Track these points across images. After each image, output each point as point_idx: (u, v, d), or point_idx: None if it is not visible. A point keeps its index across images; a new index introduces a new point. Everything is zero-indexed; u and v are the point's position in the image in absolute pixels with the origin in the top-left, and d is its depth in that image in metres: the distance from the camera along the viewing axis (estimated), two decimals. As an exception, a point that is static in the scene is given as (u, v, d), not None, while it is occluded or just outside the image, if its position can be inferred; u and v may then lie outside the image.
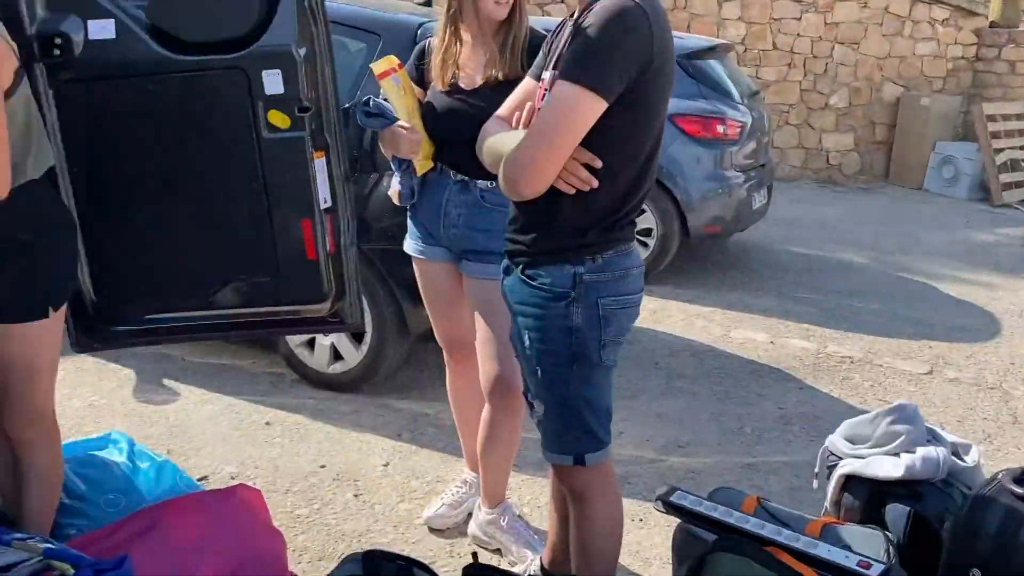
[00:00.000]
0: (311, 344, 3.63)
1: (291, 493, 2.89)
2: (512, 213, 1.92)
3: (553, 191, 1.74)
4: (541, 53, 1.95)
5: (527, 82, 1.97)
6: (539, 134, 1.70)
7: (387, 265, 3.37)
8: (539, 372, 1.87)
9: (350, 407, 3.50)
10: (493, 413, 2.45)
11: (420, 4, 4.15)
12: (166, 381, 3.66)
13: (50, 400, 2.20)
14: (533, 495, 2.95)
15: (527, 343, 1.88)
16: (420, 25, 3.45)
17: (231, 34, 2.29)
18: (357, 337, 3.53)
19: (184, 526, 2.13)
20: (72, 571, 1.79)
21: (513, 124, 1.91)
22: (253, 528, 2.26)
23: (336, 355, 3.60)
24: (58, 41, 2.30)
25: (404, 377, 3.78)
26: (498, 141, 1.86)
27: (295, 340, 3.62)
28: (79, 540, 2.19)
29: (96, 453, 2.61)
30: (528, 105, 1.89)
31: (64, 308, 2.16)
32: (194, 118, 2.37)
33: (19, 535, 2.00)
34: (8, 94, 1.90)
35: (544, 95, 1.80)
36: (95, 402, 3.45)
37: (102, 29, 2.33)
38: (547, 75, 1.83)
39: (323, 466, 3.06)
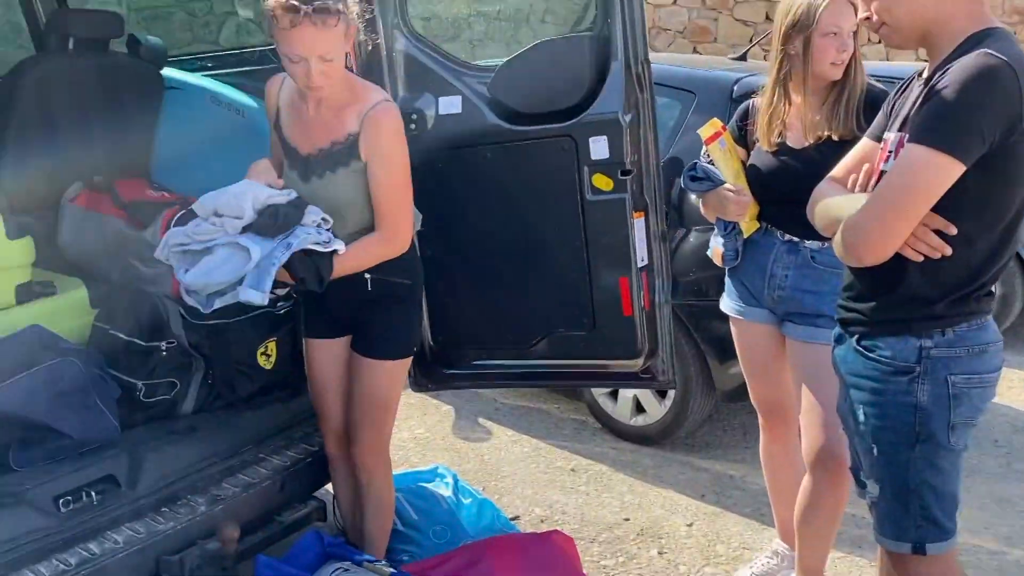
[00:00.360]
0: (614, 395, 3.70)
1: (597, 543, 2.94)
2: (848, 278, 1.83)
3: (898, 257, 1.64)
4: (882, 113, 1.86)
5: (865, 143, 1.88)
6: (885, 198, 1.62)
7: (694, 320, 3.36)
8: (875, 450, 1.75)
9: (652, 461, 3.51)
10: (815, 485, 2.33)
11: (734, 59, 4.13)
12: (481, 420, 3.92)
13: (391, 433, 2.45)
14: (851, 574, 2.74)
15: (861, 418, 1.77)
16: (736, 81, 3.43)
17: (563, 105, 2.44)
18: (661, 391, 3.54)
19: (506, 566, 2.26)
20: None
21: (849, 186, 1.84)
22: (568, 575, 2.33)
23: (639, 407, 3.63)
24: (414, 117, 2.60)
25: (707, 434, 3.72)
26: (834, 204, 1.80)
27: (600, 390, 3.71)
28: (412, 566, 2.41)
29: (425, 485, 2.86)
30: (866, 167, 1.81)
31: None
32: (525, 181, 2.56)
33: (368, 557, 2.24)
34: None
35: (887, 157, 1.71)
36: (420, 435, 3.78)
37: (451, 104, 2.60)
38: (890, 136, 1.74)
39: (627, 519, 3.09)
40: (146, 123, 3.11)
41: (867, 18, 1.72)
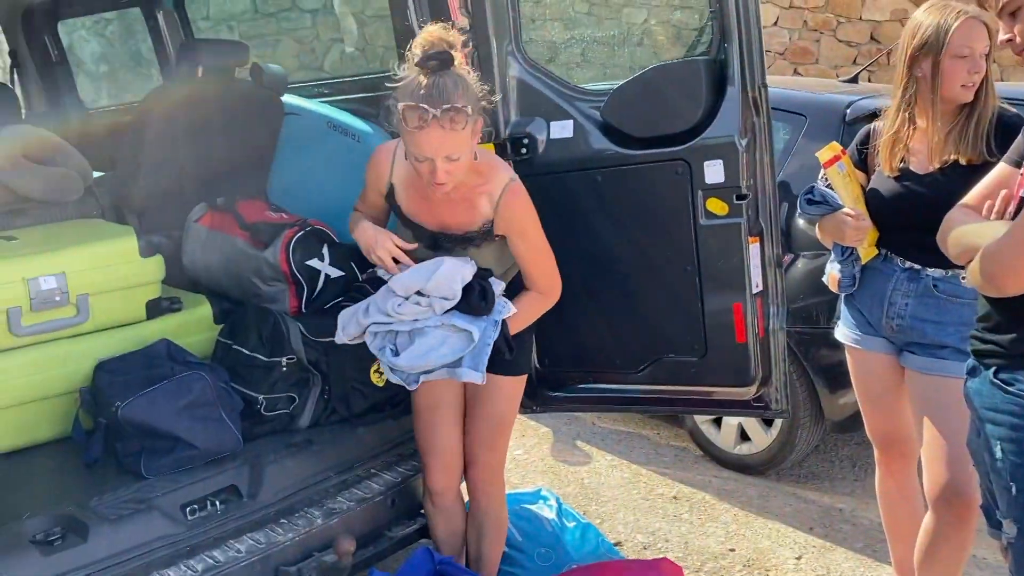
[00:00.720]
0: (717, 422, 3.63)
1: (702, 573, 2.89)
2: (984, 309, 1.76)
3: (1042, 288, 1.57)
4: (1021, 136, 1.79)
5: (1002, 168, 1.81)
6: (1031, 227, 1.55)
7: (803, 348, 3.29)
8: (1013, 489, 1.67)
9: (757, 491, 3.43)
10: (937, 523, 2.24)
11: (845, 82, 4.04)
12: (579, 443, 3.91)
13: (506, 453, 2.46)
14: (973, 619, 2.62)
15: (998, 455, 1.69)
16: (849, 104, 3.36)
17: (677, 129, 2.44)
18: (767, 420, 3.47)
19: (614, 592, 2.24)
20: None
21: (984, 213, 1.77)
22: (676, 604, 2.30)
23: (743, 436, 3.56)
24: (526, 141, 2.64)
25: (813, 465, 3.62)
26: (971, 231, 1.73)
27: (702, 417, 3.66)
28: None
29: (529, 507, 2.86)
30: (1003, 193, 1.74)
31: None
32: (636, 205, 2.55)
33: (479, 576, 2.25)
34: None
35: (1030, 184, 1.65)
36: (519, 457, 3.79)
37: (562, 129, 2.63)
38: (1033, 162, 1.67)
39: (732, 549, 3.03)
40: (266, 147, 3.24)
41: (1009, 40, 1.67)
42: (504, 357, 2.15)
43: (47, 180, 2.96)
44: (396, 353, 2.17)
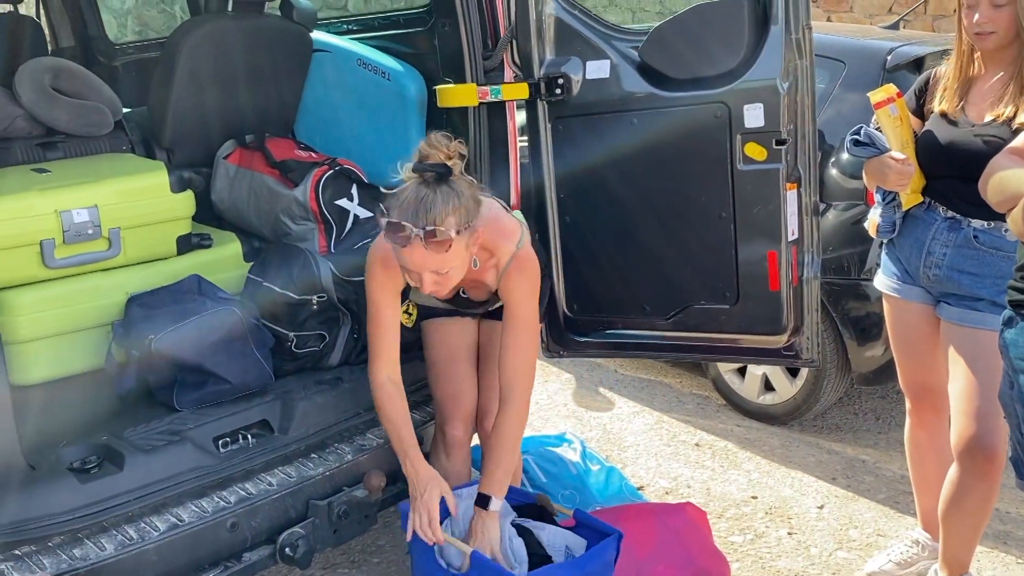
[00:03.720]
0: (742, 372, 3.63)
1: (724, 519, 2.91)
2: (1023, 259, 1.73)
3: (1089, 238, 1.54)
4: None
5: (1057, 115, 1.76)
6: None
7: (832, 299, 3.26)
8: (1049, 440, 1.66)
9: (779, 440, 3.43)
10: (962, 475, 2.23)
11: (885, 28, 3.93)
12: (602, 389, 3.92)
13: (436, 399, 2.40)
14: (995, 570, 2.63)
15: (1037, 407, 1.68)
16: (890, 51, 3.27)
17: (718, 71, 2.38)
18: (792, 370, 3.46)
19: (640, 533, 2.26)
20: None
21: (1034, 159, 1.73)
22: (701, 547, 2.32)
23: (768, 386, 3.56)
24: (560, 81, 2.59)
25: (837, 417, 3.62)
26: (1014, 177, 1.69)
27: (726, 366, 3.65)
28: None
29: (553, 449, 2.88)
30: None
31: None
32: (672, 148, 2.51)
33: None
34: None
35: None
36: (541, 401, 3.81)
37: (598, 69, 2.57)
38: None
39: (755, 497, 3.04)
40: (295, 84, 3.21)
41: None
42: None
43: (77, 113, 2.94)
44: None
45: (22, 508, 1.88)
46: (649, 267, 2.62)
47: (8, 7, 4.01)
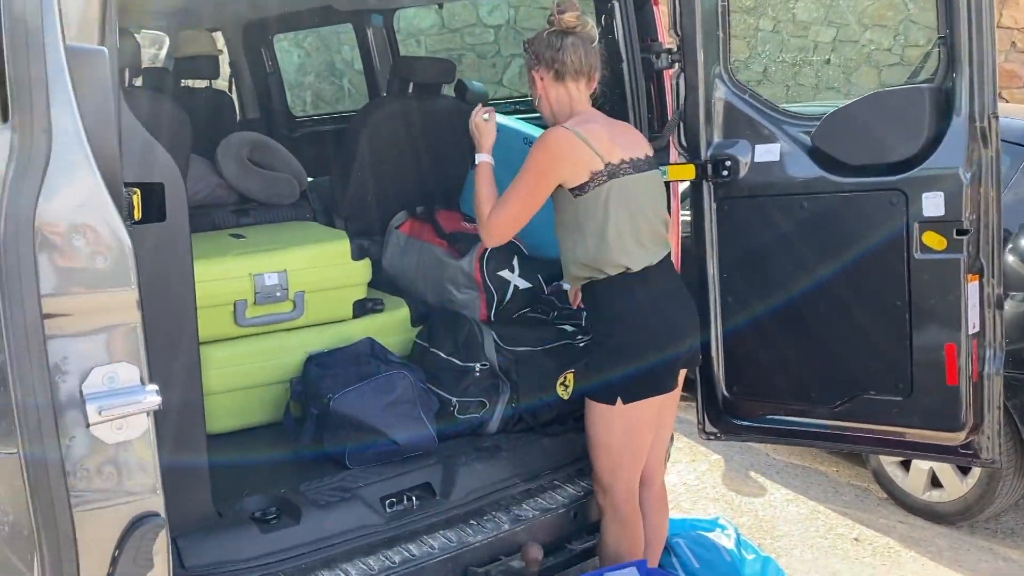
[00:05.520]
0: (906, 465, 3.45)
1: (887, 623, 2.75)
2: None
3: None
4: None
5: None
6: None
7: (1010, 393, 3.06)
8: None
9: (947, 542, 3.22)
10: None
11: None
12: (752, 474, 3.81)
13: (616, 479, 2.36)
14: None
15: None
16: (1079, 136, 3.11)
17: (895, 158, 2.35)
18: (963, 467, 3.25)
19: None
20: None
21: None
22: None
23: (935, 482, 3.36)
24: (728, 163, 2.61)
25: (1012, 521, 3.37)
26: None
27: (889, 459, 3.48)
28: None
29: (706, 534, 2.82)
30: None
31: (642, 403, 2.29)
32: (844, 234, 2.47)
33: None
34: (579, 191, 2.23)
35: None
36: (689, 482, 3.74)
37: (768, 152, 2.58)
38: None
39: (921, 602, 2.87)
40: (464, 161, 3.37)
41: None
42: None
43: (269, 183, 3.21)
44: None
45: (210, 553, 2.02)
46: (816, 353, 2.56)
47: (205, 82, 4.44)
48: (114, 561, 1.17)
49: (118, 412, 1.19)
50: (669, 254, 2.40)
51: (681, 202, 2.89)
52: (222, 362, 2.56)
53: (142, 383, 1.22)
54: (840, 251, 2.48)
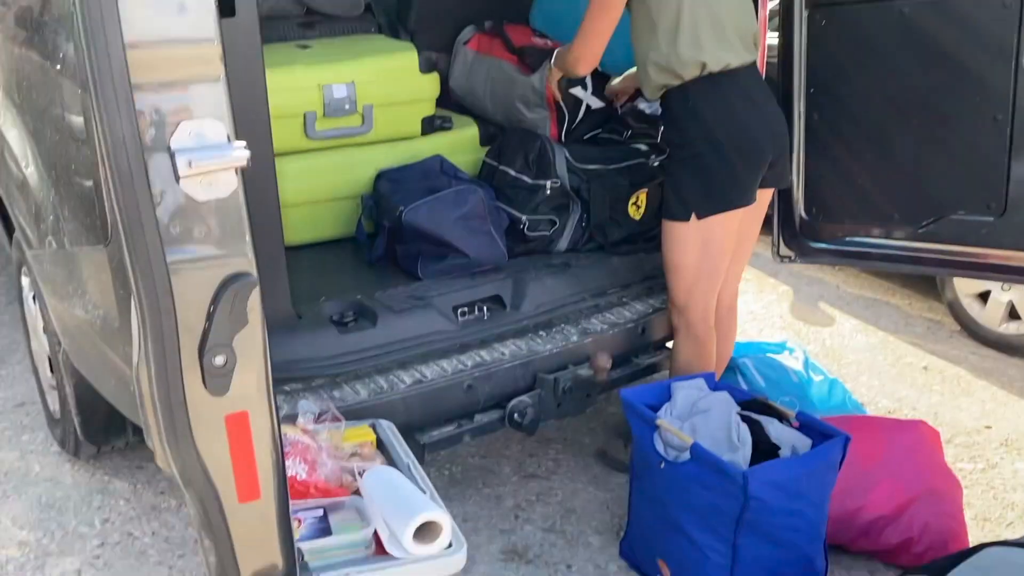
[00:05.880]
0: (983, 297, 3.36)
1: (952, 444, 2.76)
2: None
3: None
4: None
5: None
6: None
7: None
8: None
9: (1019, 372, 3.18)
10: None
11: None
12: (821, 304, 3.77)
13: (692, 299, 2.34)
14: None
15: None
16: None
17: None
18: (1045, 299, 3.16)
19: (866, 445, 2.18)
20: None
21: None
22: (933, 466, 2.22)
23: (1013, 314, 3.28)
24: (822, -33, 2.42)
25: (1091, 355, 3.30)
26: None
27: (965, 290, 3.39)
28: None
29: (773, 356, 2.82)
30: None
31: (722, 216, 2.23)
32: (946, 43, 2.30)
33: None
34: None
35: None
36: (755, 311, 3.72)
37: (868, -46, 2.37)
38: None
39: (988, 427, 2.86)
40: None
41: None
42: None
43: (334, -5, 3.09)
44: None
45: (292, 350, 2.09)
46: (902, 171, 2.45)
47: None
48: (209, 316, 1.20)
49: (208, 166, 1.18)
50: (755, 62, 2.27)
51: (768, 21, 2.71)
52: (295, 174, 2.56)
53: (228, 140, 1.21)
54: (939, 60, 2.32)
